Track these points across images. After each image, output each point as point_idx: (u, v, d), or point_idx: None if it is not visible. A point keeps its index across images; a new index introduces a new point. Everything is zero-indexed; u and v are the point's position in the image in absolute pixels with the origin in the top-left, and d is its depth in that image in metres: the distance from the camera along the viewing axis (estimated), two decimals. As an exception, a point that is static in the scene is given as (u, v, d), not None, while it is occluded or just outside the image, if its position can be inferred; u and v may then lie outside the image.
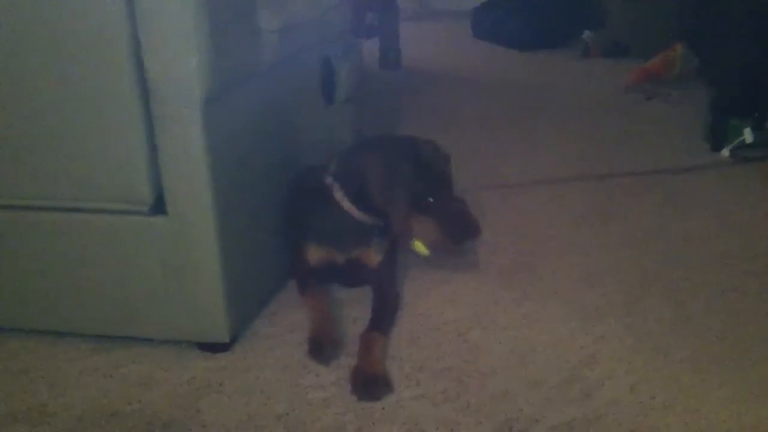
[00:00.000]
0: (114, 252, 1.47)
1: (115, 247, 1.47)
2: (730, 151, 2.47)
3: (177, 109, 1.35)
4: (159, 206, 1.42)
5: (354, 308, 1.66)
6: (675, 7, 3.71)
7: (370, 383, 1.39)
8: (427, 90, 3.55)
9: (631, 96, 3.29)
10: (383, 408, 1.35)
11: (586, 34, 4.05)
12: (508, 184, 2.36)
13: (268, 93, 1.64)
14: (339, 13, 2.04)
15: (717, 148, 2.51)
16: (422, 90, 3.54)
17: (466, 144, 2.72)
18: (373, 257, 1.66)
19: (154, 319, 1.52)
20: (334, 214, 1.62)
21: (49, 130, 1.40)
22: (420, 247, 1.57)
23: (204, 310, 1.48)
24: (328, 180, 1.62)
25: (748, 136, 2.44)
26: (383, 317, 1.57)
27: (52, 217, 1.47)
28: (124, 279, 1.49)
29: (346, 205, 1.61)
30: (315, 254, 1.67)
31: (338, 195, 1.61)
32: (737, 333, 1.54)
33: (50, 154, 1.42)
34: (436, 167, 1.58)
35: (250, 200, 1.57)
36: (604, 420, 1.30)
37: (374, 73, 3.82)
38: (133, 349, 1.54)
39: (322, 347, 1.45)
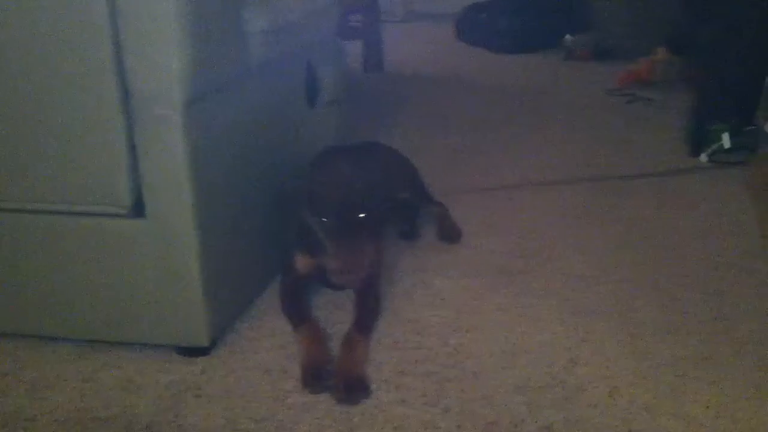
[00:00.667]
0: (92, 255, 1.46)
1: (93, 250, 1.46)
2: (709, 156, 2.49)
3: (158, 111, 1.34)
4: (138, 209, 1.41)
5: (333, 311, 1.66)
6: (658, 11, 3.74)
7: (350, 387, 1.38)
8: (412, 93, 3.55)
9: (614, 99, 3.31)
10: (363, 413, 1.35)
11: (568, 38, 4.07)
12: (492, 187, 2.37)
13: (252, 95, 1.63)
14: (324, 15, 2.03)
15: (695, 152, 2.53)
16: (406, 93, 3.54)
17: (450, 147, 2.73)
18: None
19: (134, 323, 1.50)
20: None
21: (28, 132, 1.39)
22: None
23: (183, 314, 1.47)
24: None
25: (726, 141, 2.46)
26: (367, 319, 1.57)
27: (30, 220, 1.46)
28: (102, 282, 1.48)
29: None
30: (303, 262, 1.65)
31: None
32: (720, 336, 1.55)
33: (28, 155, 1.40)
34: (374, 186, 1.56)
35: (232, 203, 1.56)
36: (585, 423, 1.31)
37: (358, 76, 3.82)
38: (112, 353, 1.53)
39: (314, 378, 1.42)
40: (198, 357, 1.51)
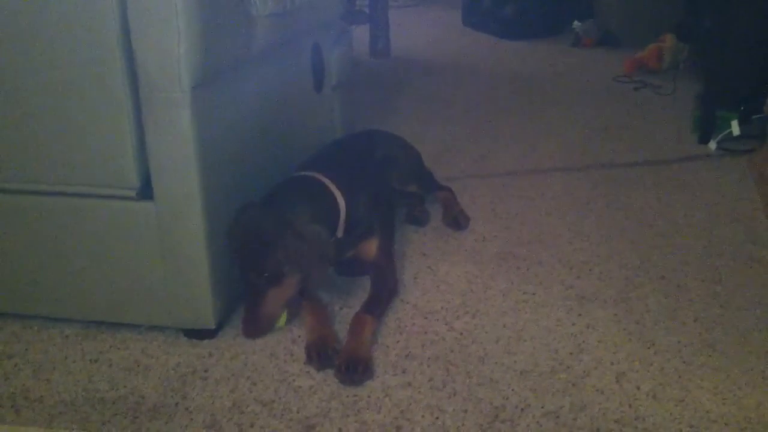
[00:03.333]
0: (100, 237, 1.46)
1: (101, 231, 1.46)
2: (717, 143, 2.48)
3: (166, 95, 1.33)
4: (146, 191, 1.42)
5: (341, 296, 1.67)
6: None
7: (351, 367, 1.39)
8: (417, 79, 3.54)
9: (621, 86, 3.30)
10: (369, 395, 1.35)
11: (576, 24, 4.05)
12: (496, 173, 2.36)
13: (259, 79, 1.63)
14: (331, -2, 2.03)
15: (704, 140, 2.52)
16: (412, 79, 3.53)
17: (454, 133, 2.72)
18: (371, 249, 1.66)
19: (141, 305, 1.51)
20: None
21: (37, 114, 1.39)
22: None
23: (190, 297, 1.48)
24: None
25: (735, 128, 2.46)
26: (378, 301, 1.58)
27: (40, 201, 1.46)
28: (110, 264, 1.48)
29: None
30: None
31: None
32: (724, 323, 1.55)
33: (38, 138, 1.41)
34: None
35: (238, 186, 1.56)
36: (590, 409, 1.31)
37: (364, 61, 3.81)
38: (119, 335, 1.54)
39: (319, 355, 1.43)
40: (205, 339, 1.52)
